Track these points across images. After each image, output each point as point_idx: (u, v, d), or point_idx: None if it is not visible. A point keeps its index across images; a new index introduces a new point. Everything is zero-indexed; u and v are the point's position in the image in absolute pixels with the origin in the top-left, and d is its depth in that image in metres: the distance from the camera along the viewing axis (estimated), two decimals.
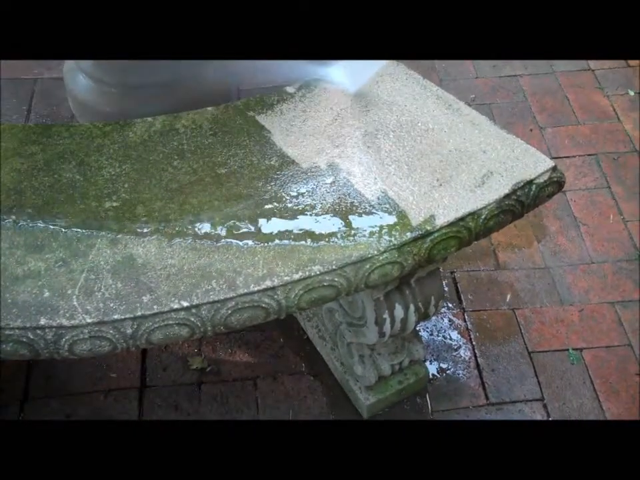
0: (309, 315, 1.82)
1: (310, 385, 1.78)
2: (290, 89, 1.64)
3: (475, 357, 1.84)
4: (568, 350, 1.87)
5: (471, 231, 1.34)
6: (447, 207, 1.33)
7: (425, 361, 1.79)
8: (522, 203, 1.38)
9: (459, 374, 1.81)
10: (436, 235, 1.31)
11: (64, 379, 1.77)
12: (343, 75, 1.62)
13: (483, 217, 1.34)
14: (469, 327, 1.91)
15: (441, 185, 1.37)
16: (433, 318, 1.90)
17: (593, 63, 2.74)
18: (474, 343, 1.87)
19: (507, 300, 1.97)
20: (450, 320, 1.92)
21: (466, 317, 1.93)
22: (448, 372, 1.81)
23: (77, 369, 1.78)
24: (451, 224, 1.32)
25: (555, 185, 1.42)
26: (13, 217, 1.32)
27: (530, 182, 1.38)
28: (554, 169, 1.41)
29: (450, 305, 1.95)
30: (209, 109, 1.58)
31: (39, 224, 1.31)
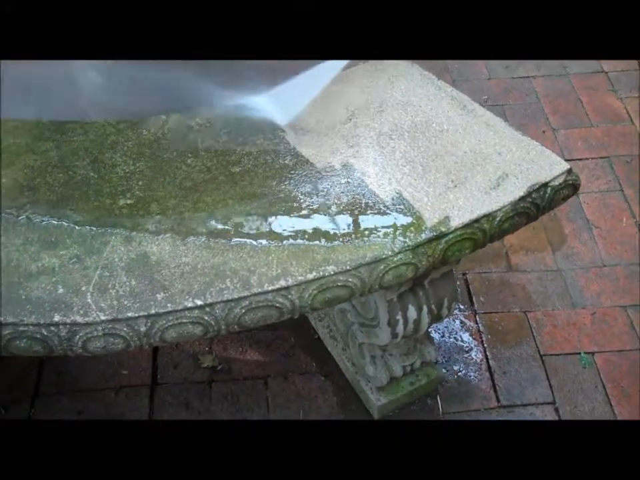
0: (321, 315, 1.82)
1: (321, 385, 1.78)
2: None
3: (487, 359, 1.84)
4: (580, 353, 1.86)
5: (485, 232, 1.33)
6: (461, 208, 1.33)
7: (436, 362, 1.79)
8: (537, 205, 1.37)
9: (470, 376, 1.80)
10: (450, 236, 1.30)
11: (75, 376, 1.77)
12: (273, 105, 1.54)
13: (497, 219, 1.33)
14: (481, 329, 1.90)
15: (455, 186, 1.37)
16: (445, 320, 1.89)
17: (606, 65, 2.73)
18: (485, 345, 1.87)
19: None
20: (462, 322, 1.92)
21: (478, 319, 1.92)
22: (459, 374, 1.81)
23: (88, 365, 1.78)
24: (466, 225, 1.31)
25: (570, 187, 1.41)
26: (27, 214, 1.32)
27: (545, 184, 1.37)
28: (569, 171, 1.40)
29: (462, 307, 1.95)
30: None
31: (52, 220, 1.31)
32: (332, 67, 1.50)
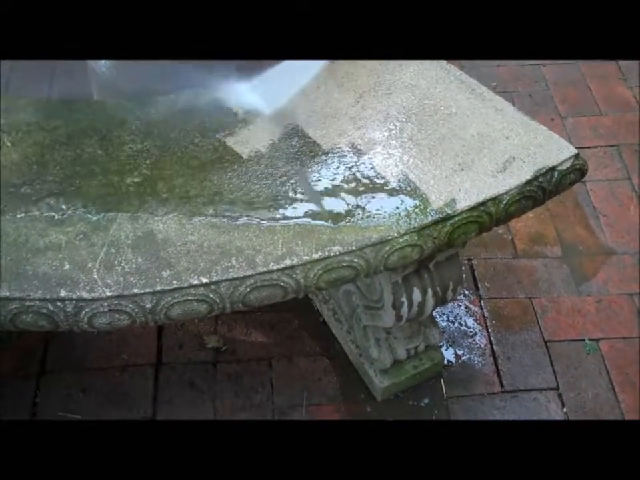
0: (325, 297, 1.82)
1: (325, 367, 1.78)
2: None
3: (491, 344, 1.84)
4: (584, 340, 1.86)
5: (491, 216, 1.33)
6: (468, 191, 1.32)
7: (440, 346, 1.79)
8: (544, 189, 1.37)
9: (474, 361, 1.81)
10: (456, 218, 1.30)
11: (81, 354, 1.78)
12: (258, 93, 1.51)
13: (504, 202, 1.33)
14: (486, 315, 1.90)
15: (462, 169, 1.36)
16: (450, 305, 1.89)
17: None
18: (490, 330, 1.87)
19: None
20: (466, 307, 1.92)
21: (482, 304, 1.93)
22: (463, 358, 1.81)
23: (93, 344, 1.79)
24: (472, 208, 1.31)
25: (577, 172, 1.41)
26: (35, 190, 1.32)
27: (552, 168, 1.37)
28: (576, 156, 1.40)
29: (467, 292, 1.95)
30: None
31: (60, 197, 1.31)
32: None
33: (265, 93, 1.50)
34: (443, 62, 1.61)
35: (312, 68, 1.48)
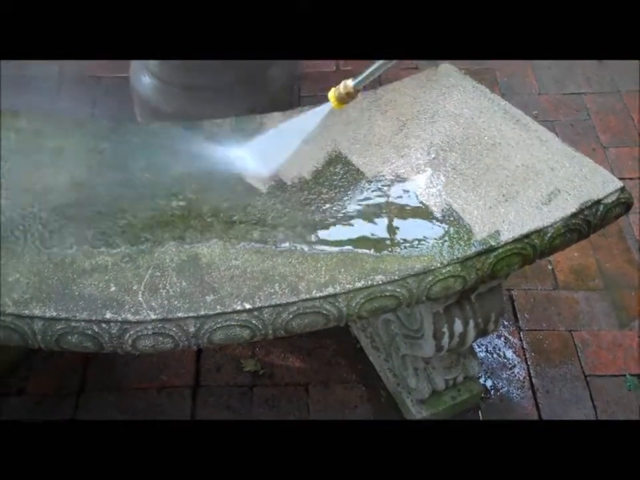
0: (364, 324, 1.82)
1: (361, 395, 1.78)
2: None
3: (530, 377, 1.82)
4: (625, 375, 1.82)
5: (535, 248, 1.32)
6: (512, 222, 1.32)
7: (479, 377, 1.77)
8: (589, 222, 1.36)
9: (512, 393, 1.78)
10: (500, 250, 1.29)
11: (120, 374, 1.79)
12: (255, 159, 1.48)
13: (548, 235, 1.32)
14: (525, 347, 1.88)
15: (506, 200, 1.36)
16: (489, 335, 1.87)
17: None
18: (529, 363, 1.85)
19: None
20: (506, 338, 1.90)
21: (522, 336, 1.90)
22: (502, 390, 1.79)
23: (132, 364, 1.80)
24: (516, 240, 1.30)
25: (622, 205, 1.40)
26: (83, 212, 1.34)
27: (598, 202, 1.36)
28: (622, 189, 1.39)
29: (506, 323, 1.93)
30: (276, 113, 1.60)
31: (107, 219, 1.33)
32: (313, 117, 1.46)
33: (261, 157, 1.48)
34: (487, 91, 1.61)
35: (304, 130, 1.48)
